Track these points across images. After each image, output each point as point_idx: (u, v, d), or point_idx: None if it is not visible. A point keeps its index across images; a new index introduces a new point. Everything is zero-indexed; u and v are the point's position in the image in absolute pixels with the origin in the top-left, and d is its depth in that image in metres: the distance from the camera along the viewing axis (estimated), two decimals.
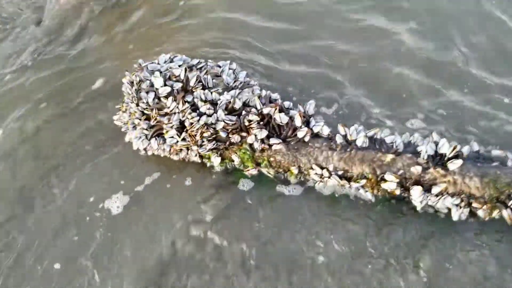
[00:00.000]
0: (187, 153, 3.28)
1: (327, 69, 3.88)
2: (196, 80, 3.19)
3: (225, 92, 3.20)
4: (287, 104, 3.24)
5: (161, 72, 3.30)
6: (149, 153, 3.41)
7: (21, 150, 3.76)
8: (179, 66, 3.40)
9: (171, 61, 3.49)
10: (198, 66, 3.44)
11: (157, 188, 3.27)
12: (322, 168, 3.02)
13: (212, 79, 3.27)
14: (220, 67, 3.48)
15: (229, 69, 3.44)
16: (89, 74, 4.26)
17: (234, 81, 3.30)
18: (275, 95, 3.30)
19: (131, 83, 3.38)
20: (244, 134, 3.11)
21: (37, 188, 3.43)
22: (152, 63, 3.43)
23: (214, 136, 3.15)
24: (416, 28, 4.08)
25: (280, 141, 3.05)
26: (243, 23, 4.48)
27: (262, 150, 3.11)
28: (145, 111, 3.24)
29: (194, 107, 3.16)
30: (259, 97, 3.16)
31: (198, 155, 3.27)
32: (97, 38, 4.75)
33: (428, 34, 4.02)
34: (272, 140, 3.05)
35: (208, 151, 3.19)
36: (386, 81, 3.71)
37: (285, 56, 4.09)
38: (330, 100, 3.63)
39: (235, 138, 3.11)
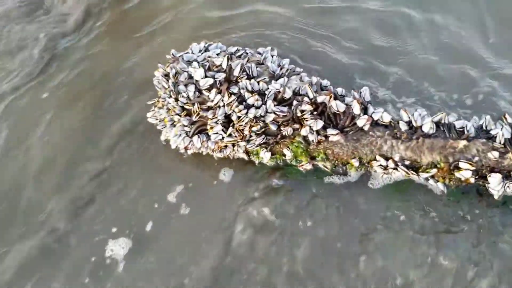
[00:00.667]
0: (233, 150, 3.00)
1: None
2: (240, 69, 2.89)
3: (273, 81, 2.91)
4: (339, 90, 2.97)
5: (199, 63, 2.99)
6: (190, 152, 3.13)
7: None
8: (217, 54, 3.09)
9: (206, 49, 3.19)
10: (237, 54, 3.14)
11: (201, 190, 2.99)
12: (387, 159, 2.76)
13: (256, 68, 2.98)
14: (261, 54, 3.19)
15: (271, 55, 3.15)
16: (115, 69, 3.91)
17: (280, 69, 3.01)
18: (325, 82, 3.02)
19: (166, 76, 3.07)
20: (296, 126, 2.84)
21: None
22: (187, 53, 3.12)
23: (263, 129, 2.87)
24: None
25: (338, 131, 2.79)
26: None
27: (318, 143, 2.84)
28: (186, 106, 2.94)
29: (240, 99, 2.88)
30: (310, 84, 2.88)
31: (245, 151, 2.99)
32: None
33: None
34: (329, 131, 2.78)
35: (257, 146, 2.91)
36: None
37: None
38: None
39: (287, 130, 2.84)
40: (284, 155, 2.96)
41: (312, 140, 2.82)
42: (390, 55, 3.49)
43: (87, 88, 3.80)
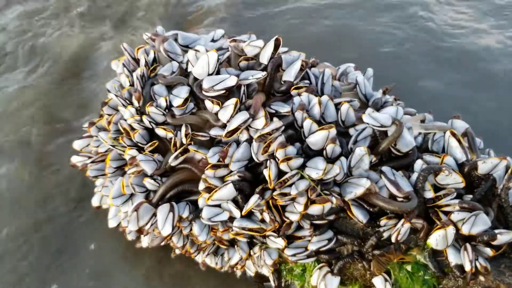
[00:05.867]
0: (248, 256, 1.21)
1: None
2: (301, 70, 1.22)
3: (369, 109, 1.22)
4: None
5: (207, 50, 1.33)
6: (145, 242, 1.33)
7: None
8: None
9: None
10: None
11: None
12: None
13: (331, 79, 1.32)
14: (332, 67, 1.56)
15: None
16: None
17: (383, 93, 1.35)
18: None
19: (134, 60, 1.40)
20: (419, 222, 1.09)
21: None
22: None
23: (335, 217, 1.12)
24: None
25: None
26: None
27: (474, 274, 1.06)
28: (158, 130, 1.22)
29: (291, 132, 1.17)
30: (458, 136, 1.20)
31: (275, 264, 1.20)
32: None
33: None
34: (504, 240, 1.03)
35: (310, 257, 1.13)
36: None
37: None
38: None
39: (400, 230, 1.07)
40: None
41: (459, 267, 1.04)
42: None
43: None
